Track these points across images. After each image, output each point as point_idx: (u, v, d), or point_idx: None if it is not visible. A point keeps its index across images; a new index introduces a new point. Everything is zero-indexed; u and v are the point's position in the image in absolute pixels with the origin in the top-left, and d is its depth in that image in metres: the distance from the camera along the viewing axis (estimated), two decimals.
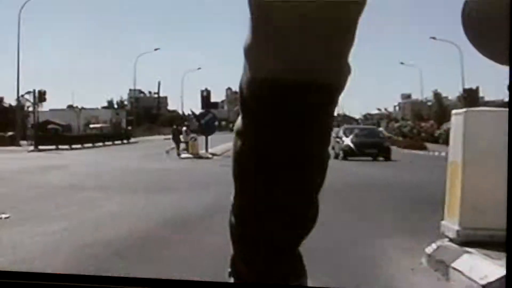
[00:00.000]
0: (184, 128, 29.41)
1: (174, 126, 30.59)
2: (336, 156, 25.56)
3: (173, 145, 28.64)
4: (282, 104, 0.96)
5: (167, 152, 27.49)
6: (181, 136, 28.85)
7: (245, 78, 0.98)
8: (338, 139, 27.18)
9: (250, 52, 0.95)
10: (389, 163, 24.24)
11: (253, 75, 0.96)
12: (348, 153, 26.27)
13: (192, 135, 28.31)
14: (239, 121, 1.04)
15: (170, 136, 30.67)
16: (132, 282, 1.21)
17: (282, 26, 0.90)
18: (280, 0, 0.89)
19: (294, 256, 1.12)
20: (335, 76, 0.96)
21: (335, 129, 32.01)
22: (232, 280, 1.15)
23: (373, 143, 26.96)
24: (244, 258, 1.13)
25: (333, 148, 25.75)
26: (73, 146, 34.74)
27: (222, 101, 75.75)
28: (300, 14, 0.89)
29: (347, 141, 27.28)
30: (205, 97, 31.87)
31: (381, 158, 25.70)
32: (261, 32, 0.93)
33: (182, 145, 28.33)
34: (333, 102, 0.99)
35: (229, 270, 1.17)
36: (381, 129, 38.66)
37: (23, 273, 1.14)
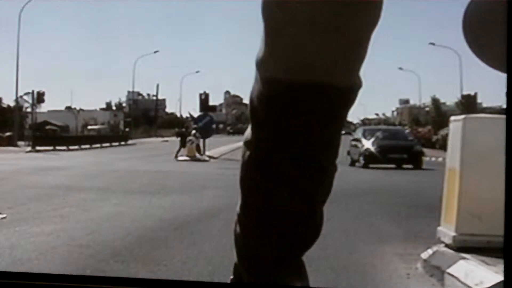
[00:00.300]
0: (193, 132, 29.03)
1: (183, 129, 30.46)
2: (353, 163, 21.85)
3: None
4: (289, 105, 0.96)
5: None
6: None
7: (256, 87, 0.99)
8: (356, 142, 22.82)
9: (261, 58, 0.96)
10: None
11: (262, 76, 0.96)
12: (369, 159, 21.44)
13: (190, 137, 28.22)
14: (247, 132, 1.04)
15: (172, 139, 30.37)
16: (129, 282, 1.21)
17: (292, 31, 0.91)
18: (293, 6, 0.89)
19: (297, 263, 1.13)
20: (345, 82, 0.96)
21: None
22: None
23: (400, 147, 21.91)
24: (247, 266, 1.13)
25: (348, 153, 22.52)
26: (71, 147, 34.68)
27: (220, 104, 75.77)
28: (312, 22, 0.90)
29: (368, 144, 22.28)
30: (204, 100, 31.74)
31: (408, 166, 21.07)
32: (270, 36, 0.93)
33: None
34: (342, 108, 0.99)
35: (232, 277, 1.17)
36: (407, 130, 32.09)
37: (20, 274, 1.14)
